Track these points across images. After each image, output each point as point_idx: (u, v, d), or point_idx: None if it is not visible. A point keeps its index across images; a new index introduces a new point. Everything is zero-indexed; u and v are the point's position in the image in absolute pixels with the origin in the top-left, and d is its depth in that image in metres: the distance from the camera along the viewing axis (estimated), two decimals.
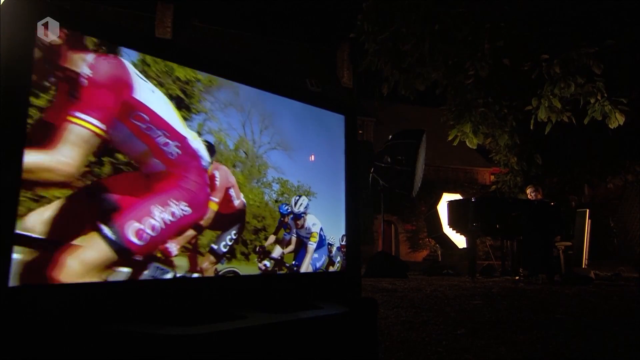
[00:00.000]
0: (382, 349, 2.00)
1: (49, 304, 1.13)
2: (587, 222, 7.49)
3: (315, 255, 1.97)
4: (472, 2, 6.77)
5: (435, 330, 2.44)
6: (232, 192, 1.67)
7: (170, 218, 1.45)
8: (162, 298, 1.37)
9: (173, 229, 1.46)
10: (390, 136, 7.73)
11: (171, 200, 1.47)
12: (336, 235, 2.03)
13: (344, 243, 2.05)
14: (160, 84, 1.46)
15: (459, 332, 2.42)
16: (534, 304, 3.61)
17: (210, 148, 1.59)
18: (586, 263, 7.31)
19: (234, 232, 1.66)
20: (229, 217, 1.64)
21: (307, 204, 1.93)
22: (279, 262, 1.82)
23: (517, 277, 6.21)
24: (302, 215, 1.93)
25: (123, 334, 1.10)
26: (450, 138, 8.68)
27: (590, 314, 3.25)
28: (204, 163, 1.58)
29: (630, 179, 9.88)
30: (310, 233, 1.97)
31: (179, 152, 1.50)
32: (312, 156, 1.93)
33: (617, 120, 6.34)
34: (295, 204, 1.91)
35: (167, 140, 1.47)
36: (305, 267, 1.92)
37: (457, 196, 8.69)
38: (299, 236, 1.93)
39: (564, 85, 6.46)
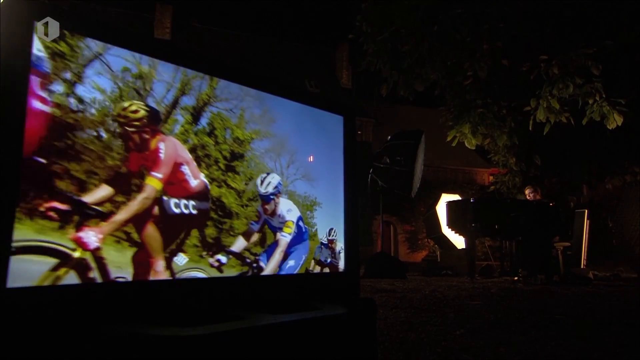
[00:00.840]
0: (381, 350, 2.00)
1: (47, 305, 1.13)
2: (586, 222, 7.50)
3: (293, 252, 1.67)
4: (471, 3, 6.77)
5: (434, 331, 2.44)
6: (185, 169, 1.37)
7: None
8: (161, 298, 1.37)
9: None
10: (389, 137, 7.73)
11: None
12: (325, 231, 1.87)
13: (331, 237, 1.85)
14: (224, 142, 1.55)
15: (458, 333, 2.42)
16: (533, 305, 3.62)
17: (155, 115, 1.32)
18: (585, 263, 7.32)
19: (192, 204, 1.38)
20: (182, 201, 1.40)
21: (278, 184, 1.61)
22: (239, 257, 1.50)
23: (516, 278, 6.21)
24: (272, 198, 1.58)
25: (122, 335, 1.10)
26: (449, 139, 8.69)
27: (589, 314, 3.25)
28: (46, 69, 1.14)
29: (628, 180, 9.89)
30: (284, 222, 1.61)
31: None
32: (312, 157, 1.92)
33: (616, 120, 6.34)
34: (262, 182, 1.55)
35: None
36: (273, 265, 1.60)
37: (456, 197, 8.69)
38: (269, 226, 1.58)
39: (562, 85, 6.46)
